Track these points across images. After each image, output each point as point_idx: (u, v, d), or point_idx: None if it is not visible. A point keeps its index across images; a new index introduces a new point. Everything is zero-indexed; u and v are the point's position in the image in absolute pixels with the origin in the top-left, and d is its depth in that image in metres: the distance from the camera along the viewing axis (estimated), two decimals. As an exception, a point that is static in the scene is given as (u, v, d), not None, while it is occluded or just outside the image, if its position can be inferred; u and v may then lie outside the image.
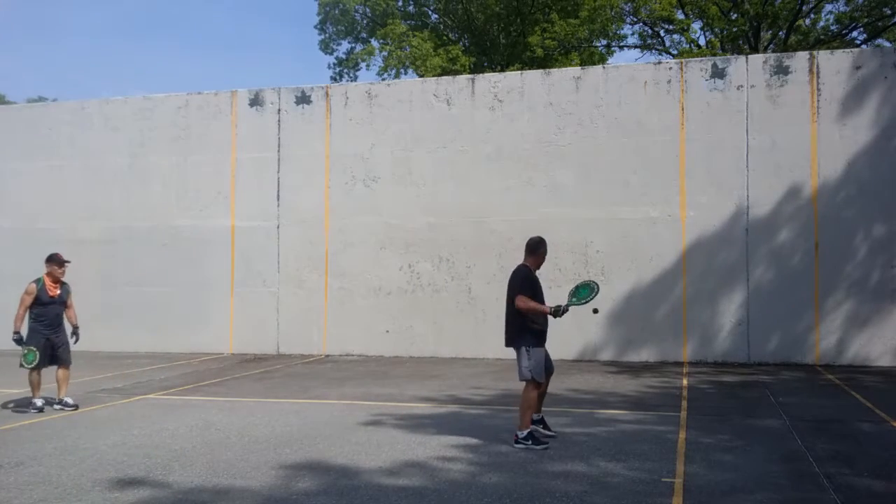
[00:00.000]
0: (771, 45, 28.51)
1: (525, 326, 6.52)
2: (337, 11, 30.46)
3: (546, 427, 6.80)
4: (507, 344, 6.69)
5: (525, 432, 6.44)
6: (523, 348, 6.52)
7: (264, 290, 14.17)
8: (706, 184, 12.37)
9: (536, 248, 6.78)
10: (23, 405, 8.54)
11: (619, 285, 12.65)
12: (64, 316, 8.58)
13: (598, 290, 6.76)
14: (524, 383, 6.58)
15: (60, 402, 8.36)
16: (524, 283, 6.56)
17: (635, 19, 29.94)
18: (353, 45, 32.21)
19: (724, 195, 12.29)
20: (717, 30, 28.23)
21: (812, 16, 29.69)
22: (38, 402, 8.28)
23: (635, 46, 31.17)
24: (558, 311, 6.41)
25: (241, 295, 14.25)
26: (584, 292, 6.73)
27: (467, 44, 31.44)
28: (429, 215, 13.52)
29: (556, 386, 10.03)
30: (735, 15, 27.40)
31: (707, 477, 5.49)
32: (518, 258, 13.23)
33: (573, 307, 6.62)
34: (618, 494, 5.08)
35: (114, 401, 8.97)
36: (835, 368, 11.42)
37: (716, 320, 12.28)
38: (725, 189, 12.29)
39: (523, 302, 6.43)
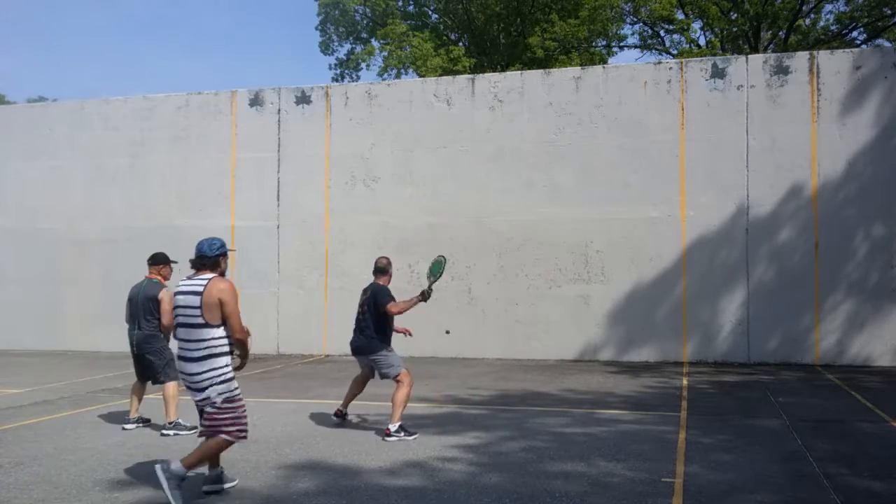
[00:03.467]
0: (771, 45, 28.51)
1: (385, 332, 7.15)
2: (337, 12, 30.45)
3: None
4: (364, 352, 7.13)
5: (398, 425, 6.82)
6: (384, 351, 7.06)
7: (264, 290, 14.17)
8: (706, 184, 12.37)
9: (389, 269, 7.41)
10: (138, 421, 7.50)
11: (619, 285, 12.65)
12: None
13: (446, 261, 7.52)
14: (401, 380, 6.94)
15: (173, 425, 7.23)
16: (389, 293, 7.19)
17: (635, 19, 29.97)
18: (354, 45, 32.20)
19: (724, 195, 12.29)
20: (717, 30, 28.25)
21: (812, 16, 29.71)
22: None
23: (635, 46, 31.19)
24: (425, 296, 7.05)
25: (240, 295, 14.21)
26: (437, 268, 7.40)
27: (467, 44, 31.44)
28: (429, 215, 13.52)
29: (555, 386, 10.05)
30: (735, 15, 27.40)
31: (707, 477, 5.49)
32: (518, 258, 13.31)
33: (434, 285, 7.29)
34: (618, 494, 5.08)
35: (114, 401, 8.96)
36: (835, 368, 11.42)
37: (716, 320, 12.28)
38: (725, 189, 12.29)
39: (397, 307, 7.02)
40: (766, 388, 9.65)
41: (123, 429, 7.31)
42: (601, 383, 10.25)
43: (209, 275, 5.13)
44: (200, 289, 5.02)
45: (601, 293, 12.73)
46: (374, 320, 7.07)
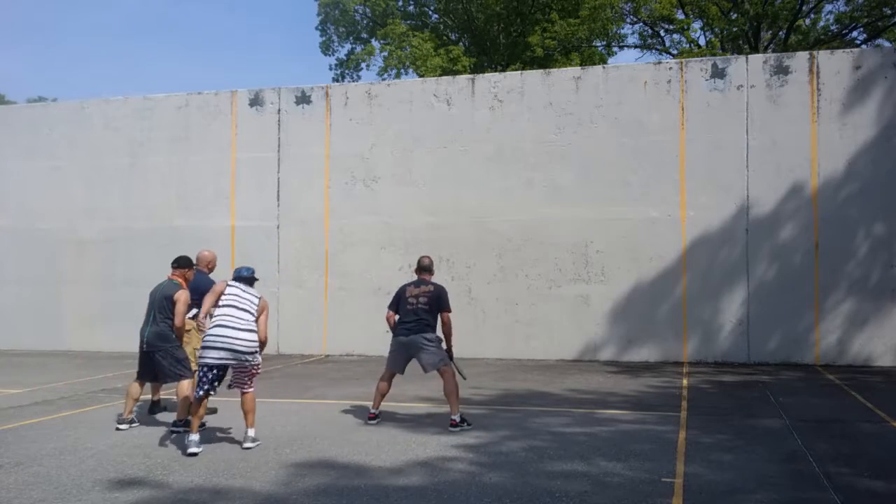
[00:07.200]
0: (771, 45, 28.53)
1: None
2: (337, 12, 30.45)
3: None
4: (423, 336, 7.32)
5: (459, 415, 7.17)
6: (438, 342, 7.38)
7: (264, 290, 14.06)
8: (706, 184, 12.37)
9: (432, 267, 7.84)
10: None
11: (620, 285, 12.64)
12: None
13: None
14: (446, 371, 7.28)
15: (184, 423, 7.10)
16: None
17: (635, 19, 30.00)
18: (354, 45, 32.21)
19: (724, 195, 12.29)
20: (717, 30, 28.27)
21: (812, 16, 29.75)
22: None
23: (635, 46, 31.21)
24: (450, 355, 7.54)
25: (241, 295, 14.21)
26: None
27: (467, 44, 31.45)
28: (429, 215, 13.52)
29: (556, 386, 10.05)
30: (735, 15, 27.42)
31: (707, 477, 5.49)
32: (518, 258, 13.32)
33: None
34: (618, 494, 5.08)
35: (114, 401, 8.95)
36: (835, 368, 11.42)
37: (716, 320, 12.28)
38: (725, 189, 12.29)
39: (451, 323, 7.47)
40: (766, 388, 9.65)
41: (117, 429, 7.28)
42: (601, 383, 10.25)
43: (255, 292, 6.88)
44: (257, 298, 6.81)
45: (601, 293, 12.73)
46: (434, 315, 7.38)
